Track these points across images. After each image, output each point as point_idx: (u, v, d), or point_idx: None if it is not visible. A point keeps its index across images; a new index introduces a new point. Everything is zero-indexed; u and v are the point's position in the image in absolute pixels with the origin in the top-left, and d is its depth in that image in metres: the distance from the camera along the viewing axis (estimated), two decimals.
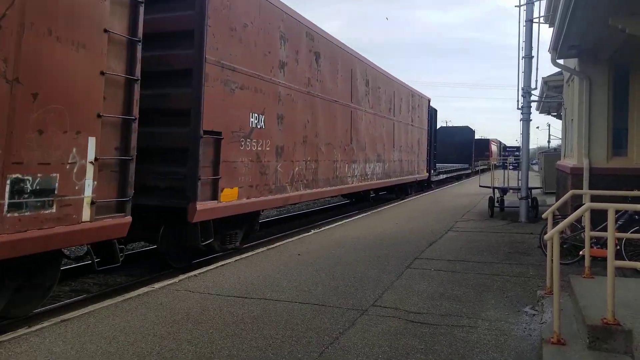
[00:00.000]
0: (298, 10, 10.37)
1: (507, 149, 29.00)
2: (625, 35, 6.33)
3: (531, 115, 12.84)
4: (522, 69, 12.49)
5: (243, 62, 8.25)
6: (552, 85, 14.14)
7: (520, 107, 12.83)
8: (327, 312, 5.10)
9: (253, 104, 8.54)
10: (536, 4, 12.14)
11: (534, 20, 12.21)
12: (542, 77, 14.16)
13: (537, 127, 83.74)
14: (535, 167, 38.48)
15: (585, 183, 8.64)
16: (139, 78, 5.88)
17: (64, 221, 4.95)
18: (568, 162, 10.53)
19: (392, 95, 17.59)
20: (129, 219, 5.77)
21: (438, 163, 36.93)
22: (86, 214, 5.19)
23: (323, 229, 11.08)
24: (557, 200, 9.10)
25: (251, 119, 8.45)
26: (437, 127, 42.43)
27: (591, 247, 5.96)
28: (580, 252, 6.41)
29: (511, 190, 14.49)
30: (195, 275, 6.61)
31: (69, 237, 5.02)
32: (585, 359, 3.73)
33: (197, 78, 7.23)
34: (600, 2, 5.95)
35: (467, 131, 44.19)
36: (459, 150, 39.98)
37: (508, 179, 15.97)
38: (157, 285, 6.12)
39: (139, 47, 5.88)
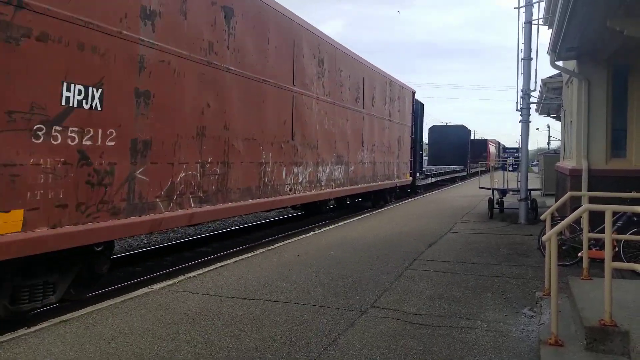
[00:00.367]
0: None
1: (507, 151, 28.94)
2: (624, 37, 6.35)
3: (530, 117, 12.88)
4: (521, 70, 12.54)
5: None
6: (551, 87, 14.17)
7: (519, 108, 12.88)
8: (326, 313, 5.11)
9: (71, 68, 5.29)
10: (535, 5, 12.18)
11: (533, 22, 12.24)
12: (542, 79, 14.24)
13: (537, 129, 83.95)
14: (535, 169, 38.33)
15: (584, 185, 8.65)
16: None
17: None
18: (567, 163, 10.55)
19: (361, 82, 14.29)
20: None
21: (430, 165, 35.55)
22: None
23: (323, 229, 11.10)
24: (556, 202, 9.11)
25: (66, 93, 5.24)
26: (431, 126, 41.42)
27: (590, 248, 5.97)
28: (579, 254, 6.42)
29: (511, 192, 14.52)
30: (194, 276, 6.62)
31: None
32: None
33: None
34: (598, 4, 5.97)
35: (462, 130, 41.55)
36: (453, 150, 38.28)
37: (507, 181, 15.99)
38: (156, 286, 6.13)
39: None
